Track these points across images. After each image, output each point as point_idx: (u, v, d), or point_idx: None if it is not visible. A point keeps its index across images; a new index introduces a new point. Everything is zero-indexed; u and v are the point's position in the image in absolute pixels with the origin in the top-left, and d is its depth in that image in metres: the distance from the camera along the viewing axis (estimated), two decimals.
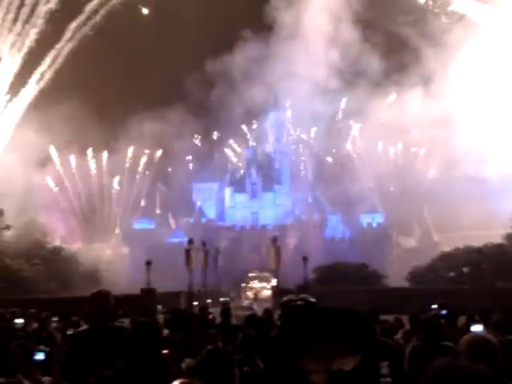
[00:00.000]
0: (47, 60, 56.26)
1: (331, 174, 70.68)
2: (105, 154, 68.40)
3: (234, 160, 75.92)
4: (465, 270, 37.83)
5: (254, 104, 63.68)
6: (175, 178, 69.91)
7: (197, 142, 74.34)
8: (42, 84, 56.46)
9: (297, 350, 3.74)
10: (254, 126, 74.67)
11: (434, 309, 8.57)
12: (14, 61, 54.03)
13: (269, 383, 4.02)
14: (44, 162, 61.75)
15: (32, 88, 56.28)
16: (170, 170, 71.98)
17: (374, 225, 62.41)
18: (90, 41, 56.77)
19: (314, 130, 69.90)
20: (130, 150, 69.90)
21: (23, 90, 56.13)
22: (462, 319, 7.71)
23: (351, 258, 46.94)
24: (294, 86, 59.63)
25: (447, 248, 43.70)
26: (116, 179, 69.86)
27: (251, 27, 61.00)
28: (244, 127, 75.05)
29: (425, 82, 54.74)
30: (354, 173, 69.67)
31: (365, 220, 63.10)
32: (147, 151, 71.46)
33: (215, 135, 73.54)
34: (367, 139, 65.12)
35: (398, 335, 6.58)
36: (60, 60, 56.69)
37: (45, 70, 56.32)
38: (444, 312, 7.73)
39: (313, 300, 3.95)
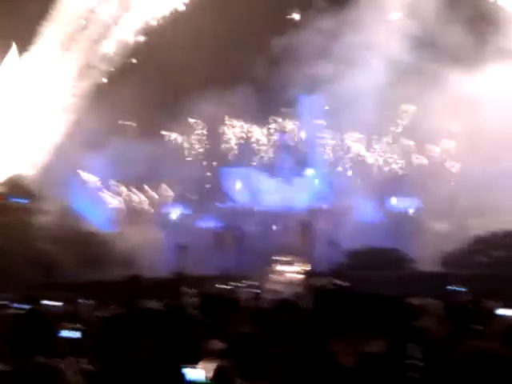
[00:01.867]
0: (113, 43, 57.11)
1: (363, 157, 70.04)
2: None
3: (266, 143, 75.71)
4: (495, 254, 37.38)
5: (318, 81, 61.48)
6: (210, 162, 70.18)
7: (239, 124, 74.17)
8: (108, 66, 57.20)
9: (327, 333, 3.79)
10: (286, 110, 74.03)
11: (459, 291, 8.56)
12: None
13: (298, 365, 4.08)
14: (96, 147, 62.42)
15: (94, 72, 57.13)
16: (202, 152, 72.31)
17: (407, 209, 61.81)
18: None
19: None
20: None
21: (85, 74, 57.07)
22: (490, 303, 7.65)
23: (382, 243, 46.70)
24: (365, 59, 57.17)
25: (479, 232, 43.16)
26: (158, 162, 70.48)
27: None
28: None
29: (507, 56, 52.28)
30: (385, 154, 68.90)
31: (397, 204, 62.52)
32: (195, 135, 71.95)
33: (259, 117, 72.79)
34: (423, 119, 63.05)
35: (428, 319, 6.58)
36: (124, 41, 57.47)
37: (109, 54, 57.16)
38: (472, 296, 7.70)
39: (344, 284, 4.00)
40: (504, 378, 2.87)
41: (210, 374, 3.28)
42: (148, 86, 55.00)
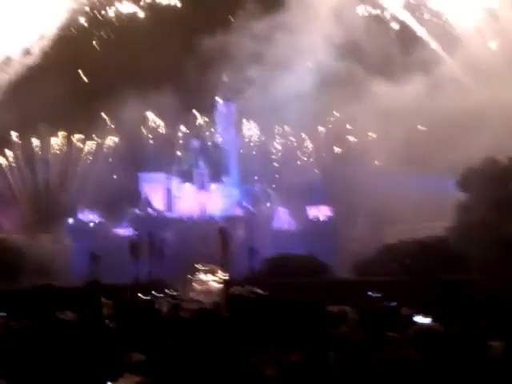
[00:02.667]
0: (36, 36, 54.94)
1: (280, 165, 70.94)
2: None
3: (182, 149, 75.15)
4: (408, 261, 38.72)
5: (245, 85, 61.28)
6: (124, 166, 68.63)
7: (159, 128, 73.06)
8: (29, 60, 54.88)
9: (246, 343, 3.75)
10: (200, 116, 73.85)
11: (375, 297, 8.77)
12: None
13: (218, 375, 4.04)
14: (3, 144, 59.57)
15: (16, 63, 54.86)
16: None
17: (321, 217, 63.14)
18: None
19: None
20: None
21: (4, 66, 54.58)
22: (404, 310, 7.91)
23: (299, 250, 47.44)
24: (293, 63, 57.39)
25: (392, 240, 44.62)
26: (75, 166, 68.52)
27: None
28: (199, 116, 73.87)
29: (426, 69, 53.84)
30: (302, 163, 70.23)
31: (312, 212, 63.73)
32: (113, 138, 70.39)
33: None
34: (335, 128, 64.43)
35: (344, 326, 6.69)
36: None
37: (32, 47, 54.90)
38: (387, 303, 7.91)
39: (260, 292, 3.97)
40: (418, 382, 2.93)
41: None
42: (66, 85, 53.46)
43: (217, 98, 68.79)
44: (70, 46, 55.53)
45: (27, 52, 55.54)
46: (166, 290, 30.49)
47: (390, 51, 55.56)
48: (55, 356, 3.68)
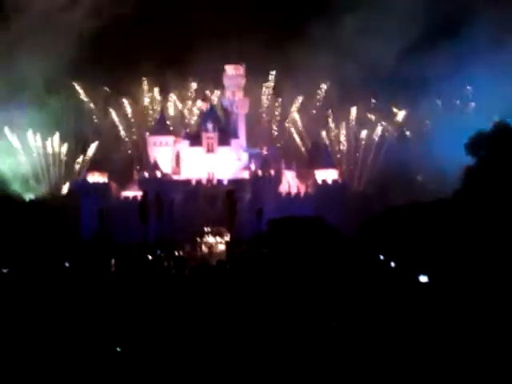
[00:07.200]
0: None
1: (289, 131, 70.75)
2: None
3: (191, 113, 74.86)
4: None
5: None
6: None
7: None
8: None
9: (243, 292, 3.94)
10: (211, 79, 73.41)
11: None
12: None
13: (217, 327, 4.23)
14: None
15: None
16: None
17: (329, 181, 63.03)
18: None
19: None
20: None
21: None
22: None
23: (306, 213, 47.51)
24: None
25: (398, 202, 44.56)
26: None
27: None
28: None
29: None
30: (311, 130, 70.06)
31: (320, 176, 63.60)
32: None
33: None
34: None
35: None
36: None
37: None
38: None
39: (265, 251, 4.13)
40: None
41: None
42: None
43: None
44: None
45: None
46: (175, 252, 30.84)
47: None
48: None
